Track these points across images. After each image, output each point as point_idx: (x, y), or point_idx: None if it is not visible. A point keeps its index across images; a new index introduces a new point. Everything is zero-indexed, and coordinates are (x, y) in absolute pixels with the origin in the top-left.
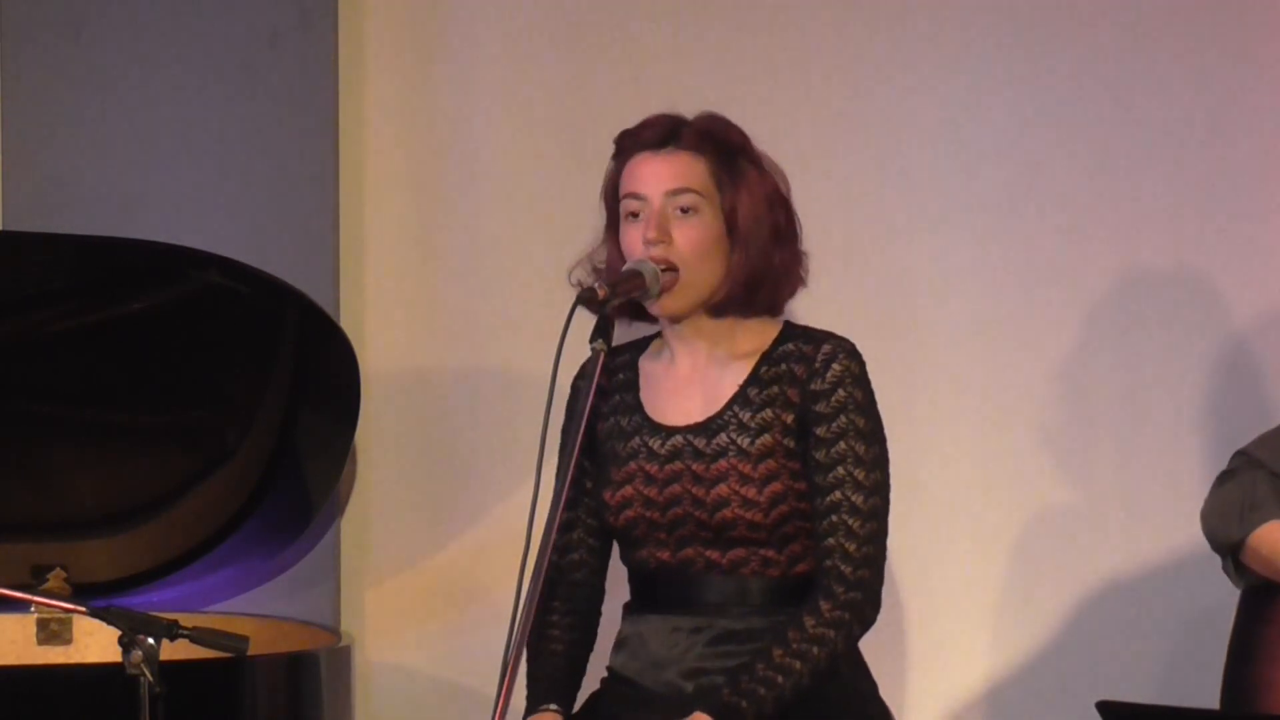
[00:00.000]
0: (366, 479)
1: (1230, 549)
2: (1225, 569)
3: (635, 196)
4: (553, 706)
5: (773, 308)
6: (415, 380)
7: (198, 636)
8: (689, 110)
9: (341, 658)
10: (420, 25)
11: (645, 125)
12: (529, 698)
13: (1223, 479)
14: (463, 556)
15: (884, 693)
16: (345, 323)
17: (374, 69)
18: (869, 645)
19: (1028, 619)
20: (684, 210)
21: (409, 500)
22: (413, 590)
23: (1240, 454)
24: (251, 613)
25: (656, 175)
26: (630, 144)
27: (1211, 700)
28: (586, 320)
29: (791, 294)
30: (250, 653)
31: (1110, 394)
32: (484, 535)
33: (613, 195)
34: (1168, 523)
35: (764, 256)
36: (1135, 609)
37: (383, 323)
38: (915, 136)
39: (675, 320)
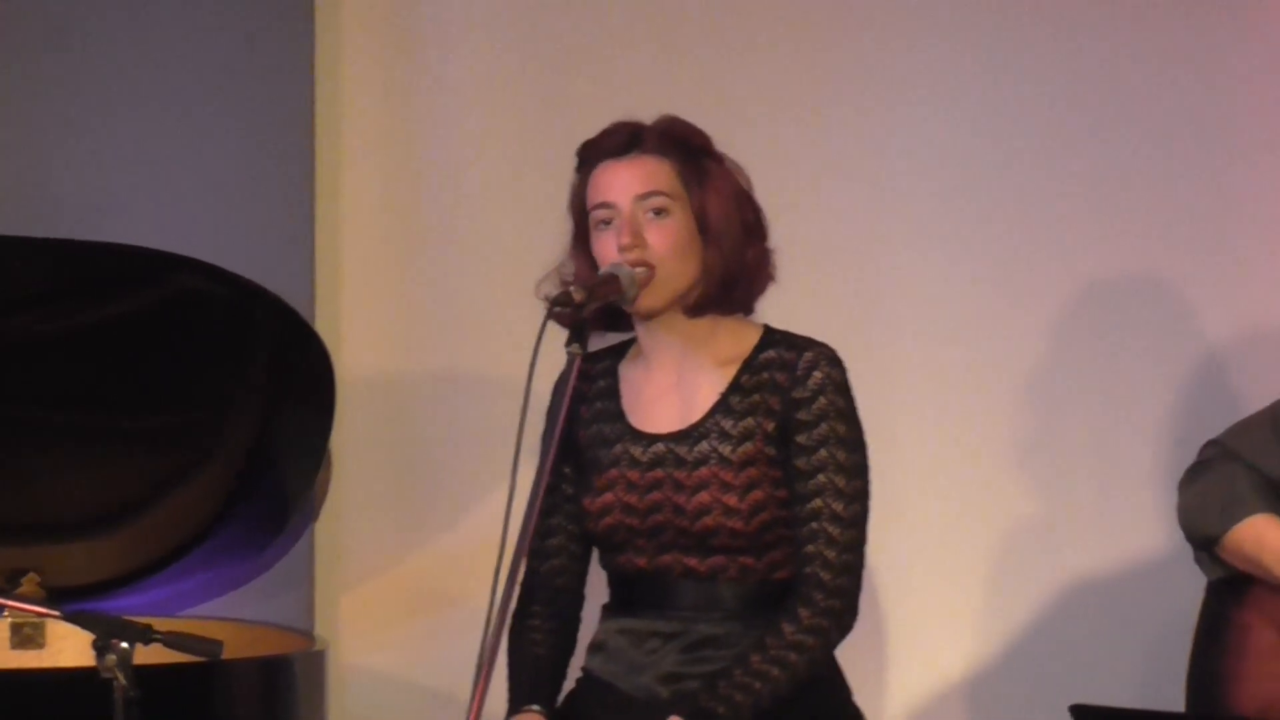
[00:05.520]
0: (342, 483)
1: (1208, 543)
2: (1198, 560)
3: (605, 205)
4: (535, 707)
5: (747, 305)
6: (391, 384)
7: (171, 641)
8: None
9: (316, 661)
10: (397, 28)
11: (606, 134)
12: (511, 700)
13: (1197, 471)
14: (438, 560)
15: (862, 697)
16: (321, 326)
17: (351, 72)
18: (847, 650)
19: (1004, 624)
20: (655, 212)
21: (384, 504)
22: (388, 594)
23: (1214, 444)
24: (226, 617)
25: (624, 181)
26: (593, 154)
27: (1182, 697)
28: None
29: (762, 290)
30: (224, 657)
31: (1084, 402)
32: (459, 539)
33: (580, 207)
34: (1142, 528)
35: (737, 253)
36: (1110, 613)
37: (359, 326)
38: (891, 146)
39: (651, 318)
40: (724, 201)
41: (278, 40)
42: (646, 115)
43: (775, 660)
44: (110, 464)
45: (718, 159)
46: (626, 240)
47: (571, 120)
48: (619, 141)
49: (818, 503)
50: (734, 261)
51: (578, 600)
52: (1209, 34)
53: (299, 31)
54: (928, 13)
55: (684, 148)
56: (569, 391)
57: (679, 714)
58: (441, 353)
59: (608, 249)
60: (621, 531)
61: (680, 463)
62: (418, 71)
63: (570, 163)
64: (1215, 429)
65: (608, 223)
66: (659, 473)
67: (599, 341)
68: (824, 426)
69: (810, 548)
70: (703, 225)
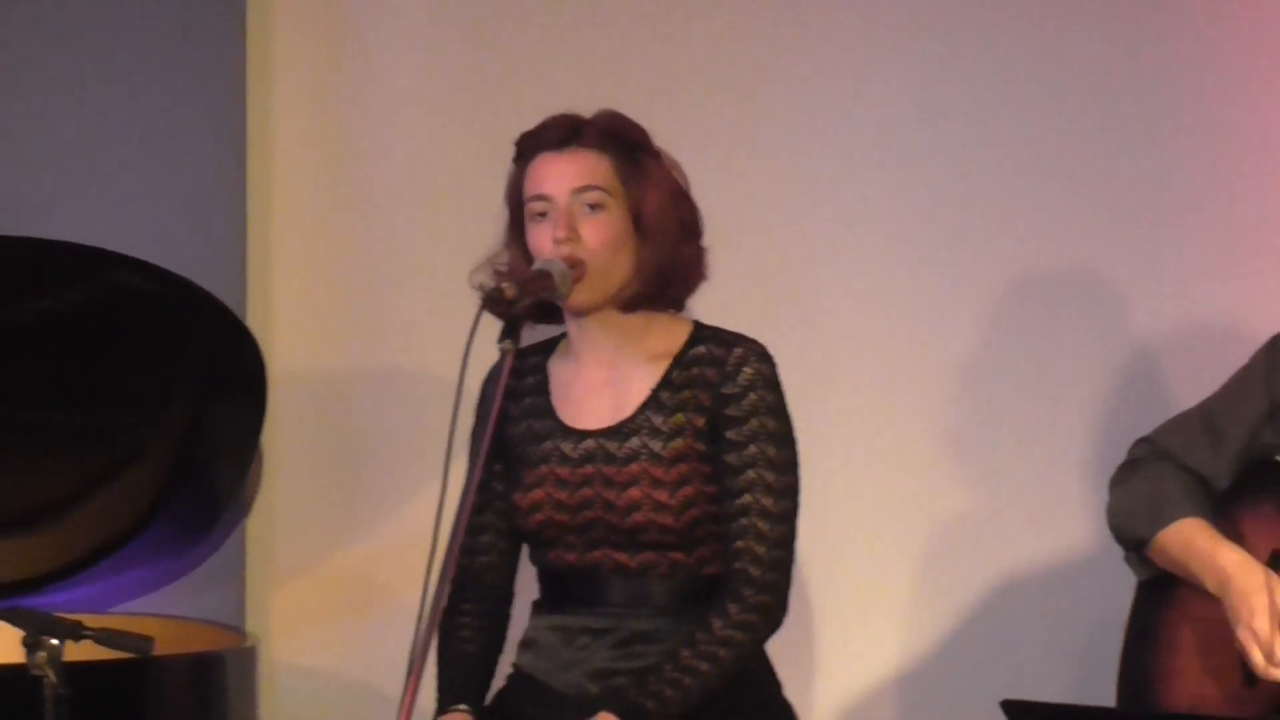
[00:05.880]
0: (273, 479)
1: (1138, 545)
2: (1128, 560)
3: (541, 198)
4: (463, 707)
5: (679, 302)
6: (323, 380)
7: (102, 637)
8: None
9: (247, 658)
10: (328, 23)
11: (545, 126)
12: (439, 699)
13: (1128, 471)
14: (369, 556)
15: (791, 692)
16: (253, 322)
17: (281, 67)
18: (777, 644)
19: (934, 619)
20: (592, 207)
21: (315, 500)
22: (319, 590)
23: (1144, 442)
24: (157, 613)
25: (561, 175)
26: (531, 145)
27: (1114, 694)
28: (495, 320)
29: (695, 288)
30: (155, 653)
31: (1015, 395)
32: (390, 535)
33: (516, 198)
34: (1074, 523)
35: (672, 250)
36: (1042, 609)
37: (290, 322)
38: (823, 134)
39: (583, 315)
40: (661, 198)
41: (208, 35)
42: (584, 111)
43: (705, 656)
44: (41, 460)
45: (656, 156)
46: (562, 234)
47: (505, 117)
48: (558, 134)
49: (747, 498)
50: (668, 258)
51: (507, 597)
52: (1148, 29)
53: (229, 27)
54: (863, 8)
55: (623, 143)
56: (501, 388)
57: (609, 710)
58: (373, 349)
59: (543, 241)
60: (552, 528)
61: (611, 459)
62: (349, 67)
63: (504, 159)
64: (1148, 425)
65: (544, 215)
66: (589, 469)
67: (528, 335)
68: (754, 422)
69: (740, 543)
70: (639, 222)
